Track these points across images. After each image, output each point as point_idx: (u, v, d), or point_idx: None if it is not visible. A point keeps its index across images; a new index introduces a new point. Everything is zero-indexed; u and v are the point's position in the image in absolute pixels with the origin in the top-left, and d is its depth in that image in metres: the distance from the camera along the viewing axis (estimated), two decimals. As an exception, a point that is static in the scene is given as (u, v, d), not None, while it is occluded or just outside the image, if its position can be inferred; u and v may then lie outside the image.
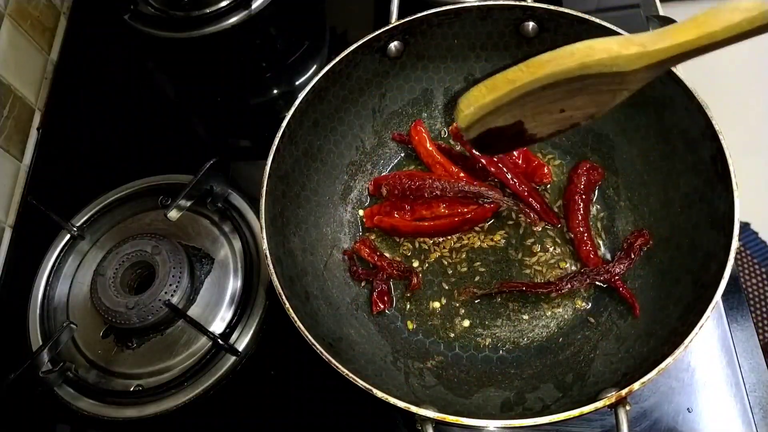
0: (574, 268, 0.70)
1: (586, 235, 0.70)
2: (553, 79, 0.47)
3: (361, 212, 0.75)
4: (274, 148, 0.63)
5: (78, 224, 0.81)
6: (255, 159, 0.86)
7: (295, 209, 0.68)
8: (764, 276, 1.61)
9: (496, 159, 0.72)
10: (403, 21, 0.68)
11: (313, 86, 0.66)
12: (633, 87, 0.48)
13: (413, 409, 0.50)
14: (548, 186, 0.75)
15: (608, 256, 0.70)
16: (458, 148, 0.77)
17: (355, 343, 0.64)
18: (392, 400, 0.50)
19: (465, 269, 0.71)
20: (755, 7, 0.41)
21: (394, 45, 0.70)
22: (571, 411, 0.48)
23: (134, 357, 0.73)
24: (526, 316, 0.68)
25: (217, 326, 0.73)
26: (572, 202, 0.71)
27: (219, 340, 0.69)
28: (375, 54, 0.70)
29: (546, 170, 0.74)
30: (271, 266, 0.58)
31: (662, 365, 0.49)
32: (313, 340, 0.53)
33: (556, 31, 0.69)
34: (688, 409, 0.64)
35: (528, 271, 0.70)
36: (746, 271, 1.63)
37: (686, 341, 0.50)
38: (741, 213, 0.55)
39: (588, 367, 0.61)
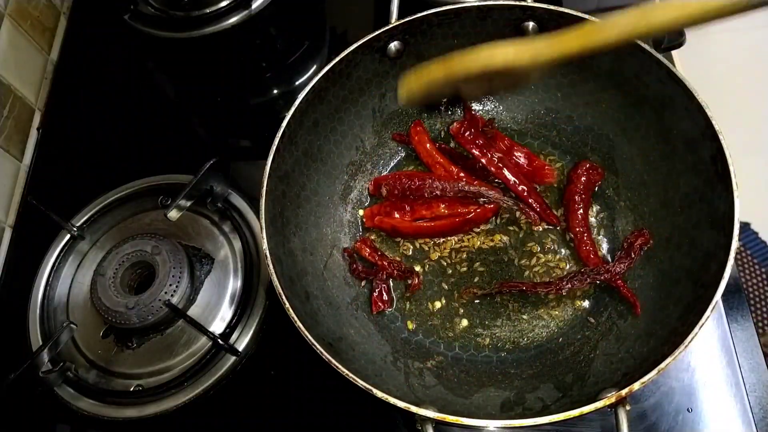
0: (574, 268, 0.70)
1: (585, 235, 0.70)
2: (463, 74, 0.58)
3: (360, 212, 0.75)
4: (274, 148, 0.63)
5: (78, 224, 0.81)
6: (255, 159, 0.86)
7: (295, 209, 0.68)
8: (764, 276, 1.61)
9: (496, 159, 0.72)
10: (403, 21, 0.68)
11: (313, 86, 0.66)
12: (538, 74, 0.57)
13: (413, 409, 0.50)
14: (548, 186, 0.75)
15: (608, 257, 0.70)
16: (458, 148, 0.77)
17: (355, 343, 0.64)
18: (392, 400, 0.50)
19: (465, 269, 0.71)
20: (631, 23, 0.50)
21: (394, 45, 0.70)
22: (571, 411, 0.48)
23: (134, 357, 0.73)
24: (526, 316, 0.68)
25: (217, 326, 0.73)
26: (572, 202, 0.71)
27: (219, 340, 0.69)
28: (375, 54, 0.70)
29: (547, 170, 0.74)
30: (271, 266, 0.58)
31: (662, 365, 0.49)
32: (313, 340, 0.53)
33: (556, 31, 0.69)
34: (688, 409, 0.64)
35: (528, 272, 0.70)
36: (746, 271, 1.63)
37: (686, 341, 0.50)
38: (741, 213, 0.55)
39: (588, 367, 0.61)
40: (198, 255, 0.77)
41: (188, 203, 0.77)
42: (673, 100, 0.62)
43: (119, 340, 0.74)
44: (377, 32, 0.68)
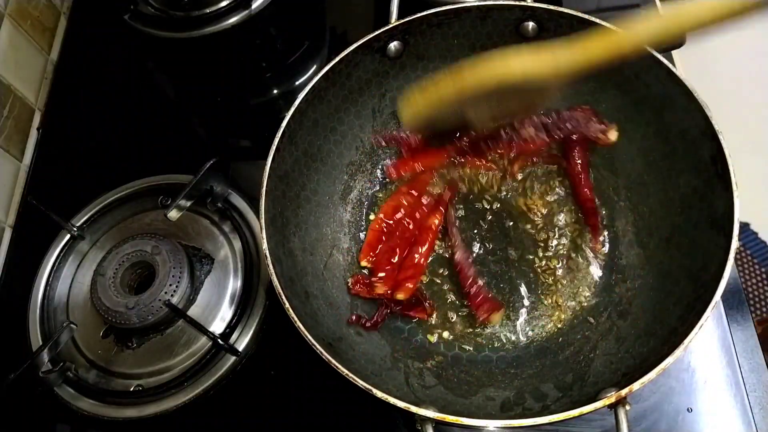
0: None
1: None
2: (473, 90, 0.52)
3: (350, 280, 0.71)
4: (274, 148, 0.63)
5: (78, 224, 0.81)
6: (255, 159, 0.86)
7: (295, 209, 0.68)
8: (764, 276, 1.61)
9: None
10: (402, 21, 0.68)
11: (313, 86, 0.66)
12: (556, 89, 0.52)
13: (413, 409, 0.50)
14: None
15: (608, 257, 0.70)
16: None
17: (355, 343, 0.64)
18: (392, 400, 0.50)
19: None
20: (663, 26, 0.46)
21: (393, 45, 0.70)
22: (570, 411, 0.48)
23: (134, 357, 0.73)
24: (525, 316, 0.68)
25: (217, 326, 0.73)
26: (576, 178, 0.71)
27: (219, 340, 0.69)
28: (375, 54, 0.70)
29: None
30: (271, 266, 0.58)
31: (662, 365, 0.49)
32: (313, 340, 0.53)
33: (555, 31, 0.69)
34: (688, 409, 0.64)
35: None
36: (746, 271, 1.63)
37: (686, 341, 0.50)
38: (741, 213, 0.55)
39: (588, 367, 0.61)
40: (198, 255, 0.77)
41: (188, 203, 0.77)
42: (673, 100, 0.62)
43: (119, 340, 0.74)
44: (377, 32, 0.68)
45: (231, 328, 0.72)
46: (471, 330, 0.68)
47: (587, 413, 0.48)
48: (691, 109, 0.60)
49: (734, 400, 0.64)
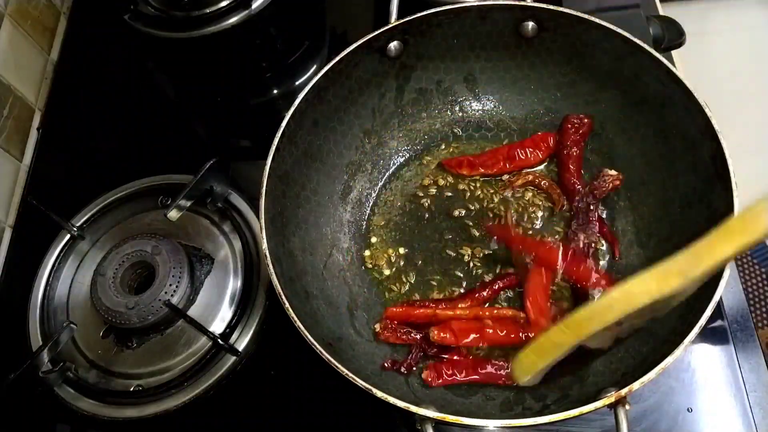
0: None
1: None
2: (595, 332, 0.48)
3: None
4: (273, 148, 0.63)
5: (78, 224, 0.81)
6: (255, 159, 0.85)
7: (294, 209, 0.68)
8: (764, 276, 1.61)
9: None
10: (402, 21, 0.68)
11: (312, 86, 0.66)
12: (682, 298, 0.48)
13: (413, 409, 0.50)
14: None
15: (608, 258, 0.70)
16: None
17: (355, 343, 0.64)
18: (392, 400, 0.50)
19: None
20: None
21: (393, 45, 0.70)
22: (570, 411, 0.48)
23: (134, 357, 0.73)
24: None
25: (217, 326, 0.73)
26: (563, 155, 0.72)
27: (219, 340, 0.69)
28: (375, 54, 0.70)
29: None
30: (270, 266, 0.58)
31: (662, 365, 0.49)
32: (312, 340, 0.53)
33: (555, 31, 0.69)
34: (688, 409, 0.64)
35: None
36: (746, 271, 1.63)
37: (686, 341, 0.50)
38: (741, 213, 0.55)
39: (588, 367, 0.61)
40: (198, 255, 0.77)
41: (188, 203, 0.77)
42: (673, 100, 0.62)
43: (119, 340, 0.74)
44: (377, 32, 0.68)
45: (231, 328, 0.72)
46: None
47: (587, 413, 0.48)
48: (691, 108, 0.60)
49: (734, 400, 0.64)
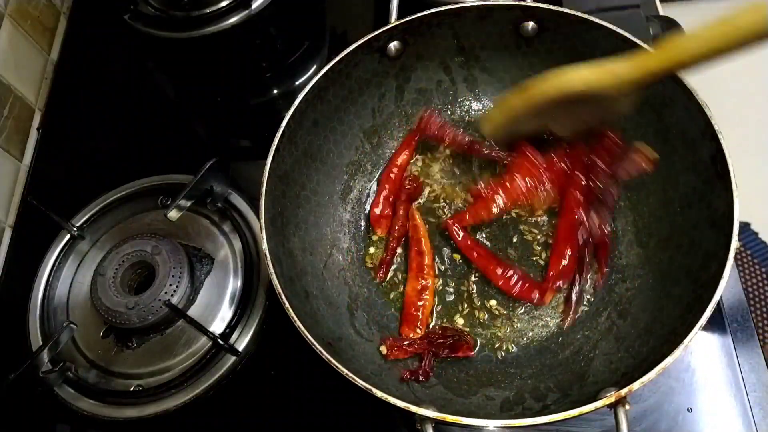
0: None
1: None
2: (541, 102, 0.58)
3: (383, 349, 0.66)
4: (273, 147, 0.63)
5: (78, 224, 0.81)
6: (255, 159, 0.86)
7: (294, 209, 0.68)
8: (764, 276, 1.61)
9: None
10: (402, 21, 0.68)
11: (312, 86, 0.66)
12: (625, 102, 0.56)
13: (413, 408, 0.50)
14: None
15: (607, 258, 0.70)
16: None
17: (355, 343, 0.64)
18: (392, 400, 0.50)
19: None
20: (721, 34, 0.48)
21: (393, 45, 0.70)
22: (570, 411, 0.48)
23: (134, 357, 0.73)
24: (525, 316, 0.68)
25: (217, 326, 0.73)
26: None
27: (219, 340, 0.69)
28: (375, 54, 0.70)
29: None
30: (270, 266, 0.58)
31: (662, 365, 0.49)
32: (312, 340, 0.53)
33: (555, 31, 0.69)
34: (688, 409, 0.64)
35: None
36: (746, 271, 1.63)
37: (686, 341, 0.50)
38: (741, 213, 0.55)
39: (588, 367, 0.61)
40: (198, 255, 0.77)
41: (188, 203, 0.77)
42: (673, 99, 0.62)
43: (119, 340, 0.74)
44: (377, 32, 0.68)
45: (231, 328, 0.72)
46: (470, 329, 0.68)
47: (587, 413, 0.48)
48: (691, 108, 0.60)
49: (734, 400, 0.64)
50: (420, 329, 0.67)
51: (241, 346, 0.71)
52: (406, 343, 0.65)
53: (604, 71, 0.53)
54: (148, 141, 0.92)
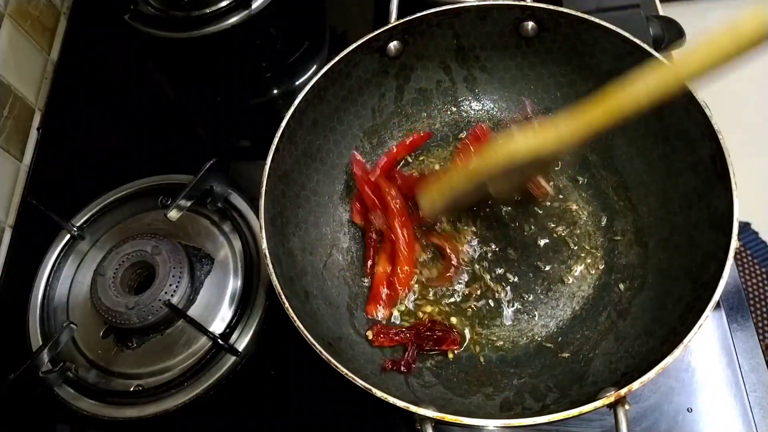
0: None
1: None
2: (485, 173, 0.59)
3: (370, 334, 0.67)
4: (273, 147, 0.63)
5: (78, 224, 0.81)
6: (255, 159, 0.86)
7: (294, 209, 0.68)
8: (764, 276, 1.61)
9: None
10: (402, 21, 0.68)
11: (312, 86, 0.66)
12: (567, 154, 0.57)
13: (413, 408, 0.50)
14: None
15: (607, 258, 0.70)
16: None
17: (355, 343, 0.65)
18: (392, 400, 0.50)
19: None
20: (663, 80, 0.48)
21: (393, 45, 0.70)
22: (570, 411, 0.48)
23: (134, 357, 0.73)
24: (525, 316, 0.68)
25: (217, 326, 0.73)
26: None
27: (219, 340, 0.69)
28: (374, 54, 0.70)
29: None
30: (270, 266, 0.58)
31: (662, 365, 0.49)
32: (312, 340, 0.53)
33: (555, 31, 0.69)
34: (688, 409, 0.64)
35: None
36: (746, 271, 1.63)
37: (686, 341, 0.50)
38: (741, 213, 0.55)
39: (587, 367, 0.61)
40: (198, 255, 0.77)
41: (188, 203, 0.77)
42: (673, 99, 0.62)
43: (119, 340, 0.74)
44: (377, 32, 0.68)
45: (231, 328, 0.72)
46: (470, 329, 0.68)
47: (587, 413, 0.48)
48: (691, 109, 0.60)
49: (734, 400, 0.64)
50: (384, 310, 0.67)
51: (241, 346, 0.72)
52: (392, 331, 0.65)
53: (549, 133, 0.54)
54: (148, 141, 0.92)
